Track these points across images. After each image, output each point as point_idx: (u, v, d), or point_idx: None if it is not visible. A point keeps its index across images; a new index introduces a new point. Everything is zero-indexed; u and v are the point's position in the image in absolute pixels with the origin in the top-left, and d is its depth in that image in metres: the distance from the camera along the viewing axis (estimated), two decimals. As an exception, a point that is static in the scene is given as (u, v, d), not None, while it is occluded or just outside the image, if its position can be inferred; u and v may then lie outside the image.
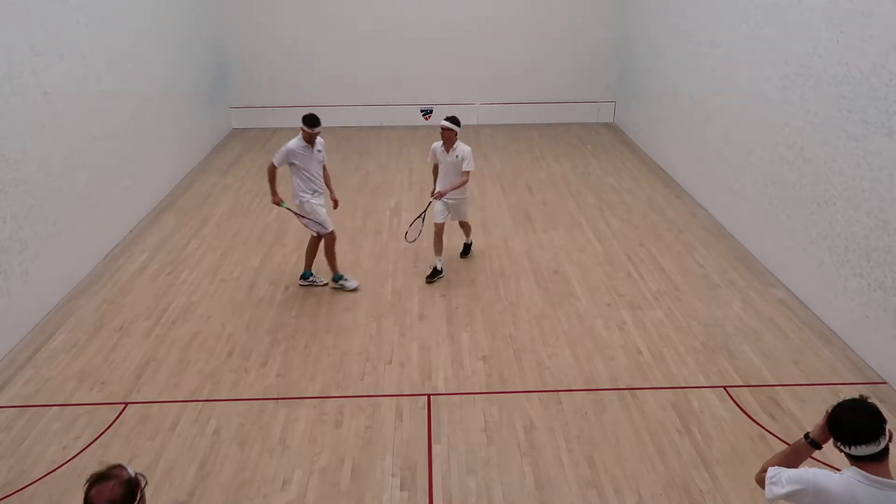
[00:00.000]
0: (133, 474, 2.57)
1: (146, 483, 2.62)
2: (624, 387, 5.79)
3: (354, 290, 7.35)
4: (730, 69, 8.64)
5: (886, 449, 2.56)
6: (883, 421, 2.56)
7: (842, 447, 2.60)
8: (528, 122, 13.63)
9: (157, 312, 6.99)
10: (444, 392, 5.74)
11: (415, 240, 7.75)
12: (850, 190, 6.26)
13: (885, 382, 5.77)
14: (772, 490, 2.72)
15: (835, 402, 2.67)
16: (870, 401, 2.62)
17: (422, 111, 13.56)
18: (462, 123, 7.29)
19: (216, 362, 6.17)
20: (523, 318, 6.84)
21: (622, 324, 6.72)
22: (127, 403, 5.63)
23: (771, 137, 7.61)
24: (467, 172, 7.14)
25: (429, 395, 5.70)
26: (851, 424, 2.56)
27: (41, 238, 6.86)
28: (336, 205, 7.49)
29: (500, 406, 5.56)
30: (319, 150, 7.13)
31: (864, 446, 2.53)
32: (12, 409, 5.59)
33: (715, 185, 9.12)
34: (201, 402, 5.64)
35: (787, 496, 2.69)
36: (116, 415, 5.50)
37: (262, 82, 13.30)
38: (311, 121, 6.96)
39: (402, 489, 4.75)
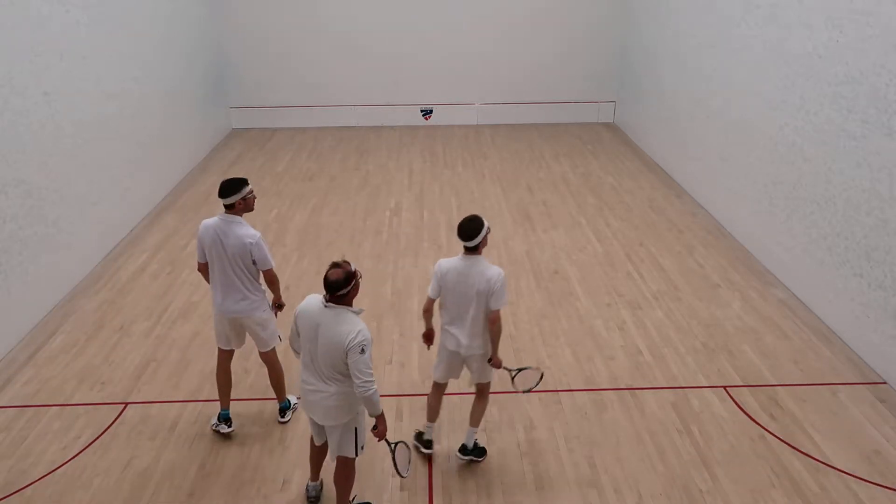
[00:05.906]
0: (354, 269, 3.88)
1: (361, 276, 3.96)
2: (624, 387, 5.79)
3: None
4: (730, 69, 8.64)
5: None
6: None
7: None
8: (528, 122, 13.62)
9: (157, 312, 6.99)
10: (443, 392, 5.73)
11: (529, 390, 4.91)
12: (850, 190, 6.26)
13: (884, 382, 5.77)
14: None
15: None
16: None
17: (422, 111, 13.55)
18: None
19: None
20: (523, 318, 6.83)
21: (622, 324, 6.72)
22: (127, 403, 5.63)
23: (771, 137, 7.61)
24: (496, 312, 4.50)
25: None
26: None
27: (41, 238, 6.87)
28: None
29: (500, 406, 5.56)
30: None
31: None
32: (12, 409, 5.60)
33: (715, 185, 9.12)
34: (201, 402, 5.65)
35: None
36: (116, 415, 5.50)
37: (262, 82, 13.29)
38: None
39: (402, 489, 4.75)
